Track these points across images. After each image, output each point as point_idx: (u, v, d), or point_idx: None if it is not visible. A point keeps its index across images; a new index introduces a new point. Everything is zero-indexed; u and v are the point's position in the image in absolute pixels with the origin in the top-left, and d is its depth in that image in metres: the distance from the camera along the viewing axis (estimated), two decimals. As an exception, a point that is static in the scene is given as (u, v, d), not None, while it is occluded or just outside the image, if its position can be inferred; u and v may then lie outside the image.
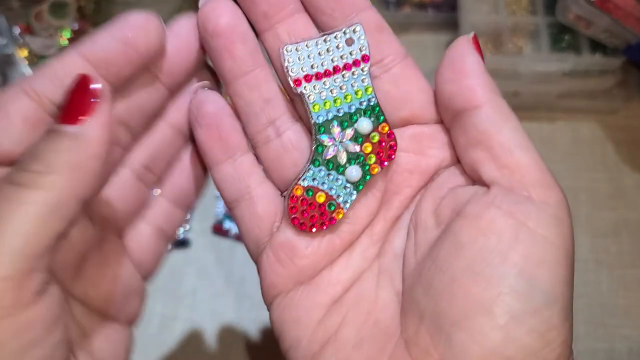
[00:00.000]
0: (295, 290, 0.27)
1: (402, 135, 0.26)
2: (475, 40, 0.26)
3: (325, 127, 0.26)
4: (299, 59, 0.25)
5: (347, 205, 0.26)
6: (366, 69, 0.26)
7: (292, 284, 0.27)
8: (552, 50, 0.55)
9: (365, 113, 0.26)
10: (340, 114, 0.26)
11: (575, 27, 0.54)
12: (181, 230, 0.53)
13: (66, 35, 0.60)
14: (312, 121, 0.26)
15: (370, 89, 0.26)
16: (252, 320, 0.49)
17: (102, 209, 0.27)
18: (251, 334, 0.49)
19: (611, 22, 0.52)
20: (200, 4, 0.26)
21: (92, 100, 0.22)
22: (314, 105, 0.26)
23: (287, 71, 0.25)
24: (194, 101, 0.27)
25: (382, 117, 0.26)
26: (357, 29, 0.25)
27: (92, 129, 0.21)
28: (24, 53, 0.58)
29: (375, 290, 0.26)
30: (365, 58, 0.25)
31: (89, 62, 0.24)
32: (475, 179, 0.25)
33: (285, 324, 0.26)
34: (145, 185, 0.29)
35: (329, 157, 0.26)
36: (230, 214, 0.30)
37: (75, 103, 0.22)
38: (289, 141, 0.27)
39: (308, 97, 0.26)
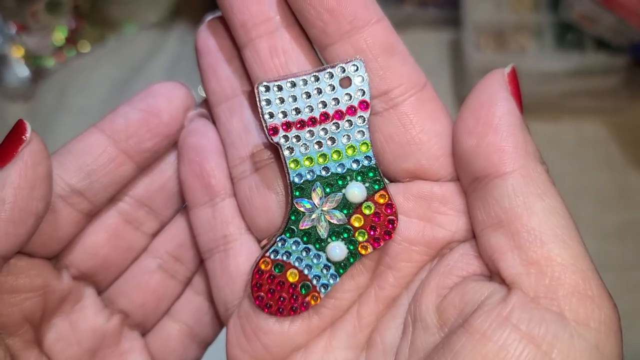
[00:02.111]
0: None
1: (406, 193, 0.21)
2: (513, 78, 0.20)
3: (304, 189, 0.21)
4: (279, 100, 0.20)
5: (326, 290, 0.21)
6: (366, 119, 0.20)
7: None
8: (556, 49, 0.54)
9: (358, 176, 0.21)
10: (326, 175, 0.21)
11: (579, 26, 0.53)
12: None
13: (62, 34, 0.59)
14: (289, 180, 0.21)
15: (367, 146, 0.20)
16: None
17: (120, 302, 0.24)
18: None
19: (615, 21, 0.51)
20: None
21: (18, 146, 0.19)
22: (292, 161, 0.21)
23: (262, 115, 0.20)
24: (183, 132, 0.23)
25: (380, 184, 0.21)
26: (358, 65, 0.20)
27: (8, 173, 0.19)
28: (19, 52, 0.57)
29: None
30: (364, 105, 0.20)
31: (109, 136, 0.22)
32: (492, 270, 0.19)
33: None
34: (173, 278, 0.25)
35: (305, 227, 0.21)
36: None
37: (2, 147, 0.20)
38: (263, 180, 0.22)
39: (286, 150, 0.20)
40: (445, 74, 0.59)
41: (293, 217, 0.21)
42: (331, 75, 0.20)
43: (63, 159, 0.22)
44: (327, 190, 0.21)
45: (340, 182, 0.21)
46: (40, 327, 0.22)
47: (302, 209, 0.21)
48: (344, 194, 0.21)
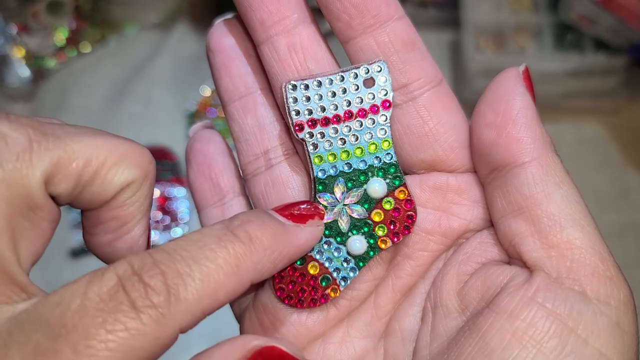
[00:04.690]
0: None
1: (423, 185, 0.22)
2: (527, 76, 0.21)
3: (327, 184, 0.21)
4: (305, 98, 0.21)
5: (346, 283, 0.21)
6: (388, 117, 0.21)
7: None
8: (555, 50, 0.54)
9: (379, 172, 0.21)
10: (348, 171, 0.21)
11: (579, 26, 0.53)
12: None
13: (63, 34, 0.59)
14: (312, 175, 0.21)
15: (389, 143, 0.21)
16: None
17: None
18: None
19: (615, 21, 0.51)
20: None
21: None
22: (317, 157, 0.21)
23: (289, 112, 0.21)
24: (189, 140, 0.24)
25: (400, 179, 0.21)
26: (381, 67, 0.21)
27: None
28: (20, 52, 0.57)
29: None
30: (386, 104, 0.21)
31: None
32: (512, 255, 0.20)
33: None
34: None
35: (327, 220, 0.21)
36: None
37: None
38: (279, 176, 0.22)
39: (311, 145, 0.21)
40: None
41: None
42: (356, 76, 0.21)
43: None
44: (349, 185, 0.21)
45: (362, 178, 0.21)
46: None
47: (324, 203, 0.21)
48: (365, 189, 0.21)
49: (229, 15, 0.23)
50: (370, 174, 0.21)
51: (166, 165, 0.55)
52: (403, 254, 0.22)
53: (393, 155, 0.21)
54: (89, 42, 0.60)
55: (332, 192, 0.21)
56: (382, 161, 0.21)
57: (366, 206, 0.21)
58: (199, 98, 0.58)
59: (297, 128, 0.21)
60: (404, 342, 0.22)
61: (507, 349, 0.18)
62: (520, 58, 0.54)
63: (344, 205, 0.21)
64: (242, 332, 0.23)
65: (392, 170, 0.21)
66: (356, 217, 0.21)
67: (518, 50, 0.55)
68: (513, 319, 0.18)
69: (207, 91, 0.58)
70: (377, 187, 0.21)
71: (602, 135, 0.57)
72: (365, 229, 0.21)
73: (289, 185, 0.22)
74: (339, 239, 0.22)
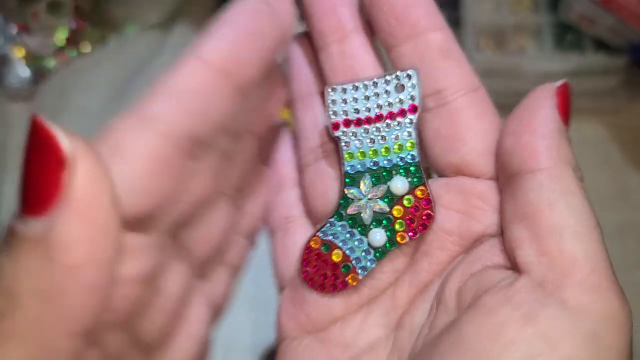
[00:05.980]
0: (299, 340, 0.24)
1: (448, 187, 0.23)
2: (562, 92, 0.21)
3: (355, 178, 0.23)
4: (343, 101, 0.23)
5: (365, 273, 0.23)
6: (413, 121, 0.23)
7: (299, 331, 0.24)
8: (555, 50, 0.54)
9: (401, 170, 0.23)
10: (375, 168, 0.23)
11: (579, 26, 0.53)
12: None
13: (63, 34, 0.59)
14: (343, 170, 0.23)
15: (413, 145, 0.23)
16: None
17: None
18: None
19: (615, 21, 0.51)
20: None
21: (60, 172, 0.14)
22: (348, 154, 0.23)
23: (328, 112, 0.23)
24: None
25: (420, 179, 0.23)
26: (411, 75, 0.22)
27: (63, 225, 0.14)
28: (20, 52, 0.57)
29: None
30: (413, 108, 0.23)
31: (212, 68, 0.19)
32: (512, 260, 0.21)
33: None
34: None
35: (352, 212, 0.23)
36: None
37: (36, 177, 0.14)
38: (324, 168, 0.24)
39: (344, 143, 0.23)
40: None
41: (342, 202, 0.23)
42: (387, 82, 0.23)
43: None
44: (374, 181, 0.23)
45: (386, 175, 0.23)
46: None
47: (350, 196, 0.23)
48: (388, 186, 0.23)
49: (303, 30, 0.26)
50: (394, 172, 0.23)
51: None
52: (422, 251, 0.23)
53: (415, 156, 0.23)
54: (89, 42, 0.60)
55: (358, 187, 0.23)
56: (405, 161, 0.23)
57: (386, 201, 0.23)
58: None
59: (333, 127, 0.23)
60: (411, 335, 0.22)
61: (478, 343, 0.18)
62: (520, 58, 0.54)
63: (368, 199, 0.23)
64: (279, 305, 0.25)
65: (413, 169, 0.23)
66: (378, 211, 0.23)
67: (518, 50, 0.55)
68: (489, 316, 0.18)
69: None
70: (399, 184, 0.23)
71: (602, 135, 0.57)
72: (385, 222, 0.23)
73: (332, 177, 0.24)
74: (360, 229, 0.23)
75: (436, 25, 0.23)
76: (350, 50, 0.24)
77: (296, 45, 0.26)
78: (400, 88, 0.23)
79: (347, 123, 0.23)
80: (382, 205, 0.23)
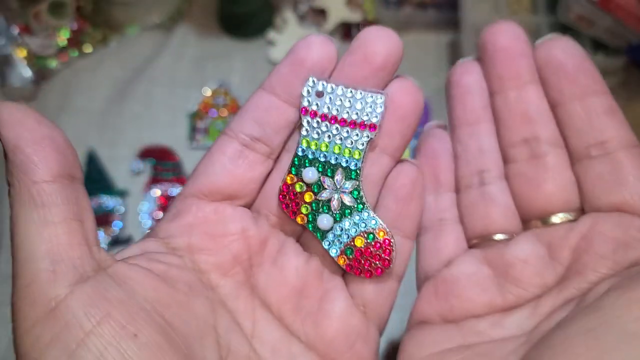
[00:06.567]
0: (437, 325, 0.26)
1: (608, 220, 0.25)
2: None
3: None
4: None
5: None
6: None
7: (438, 318, 0.26)
8: (554, 50, 0.54)
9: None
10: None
11: (577, 27, 0.53)
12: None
13: (65, 35, 0.59)
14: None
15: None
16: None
17: (314, 247, 0.27)
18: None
19: (613, 22, 0.51)
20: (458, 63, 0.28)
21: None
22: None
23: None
24: (423, 134, 0.29)
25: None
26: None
27: None
28: (22, 53, 0.57)
29: None
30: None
31: (269, 92, 0.25)
32: None
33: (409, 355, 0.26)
34: None
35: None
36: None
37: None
38: (489, 194, 0.27)
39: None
40: (444, 75, 0.59)
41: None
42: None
43: (240, 118, 0.25)
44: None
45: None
46: (250, 270, 0.25)
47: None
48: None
49: (470, 58, 0.28)
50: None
51: (167, 165, 0.55)
52: (575, 270, 0.25)
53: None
54: (90, 42, 0.60)
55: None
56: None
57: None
58: (201, 98, 0.58)
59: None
60: (544, 332, 0.23)
61: (616, 310, 0.20)
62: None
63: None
64: (419, 294, 0.27)
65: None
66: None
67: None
68: (630, 290, 0.20)
69: (208, 92, 0.58)
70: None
71: (600, 136, 0.57)
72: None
73: (498, 204, 0.27)
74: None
75: (602, 88, 0.26)
76: (527, 97, 0.26)
77: (463, 74, 0.28)
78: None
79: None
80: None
